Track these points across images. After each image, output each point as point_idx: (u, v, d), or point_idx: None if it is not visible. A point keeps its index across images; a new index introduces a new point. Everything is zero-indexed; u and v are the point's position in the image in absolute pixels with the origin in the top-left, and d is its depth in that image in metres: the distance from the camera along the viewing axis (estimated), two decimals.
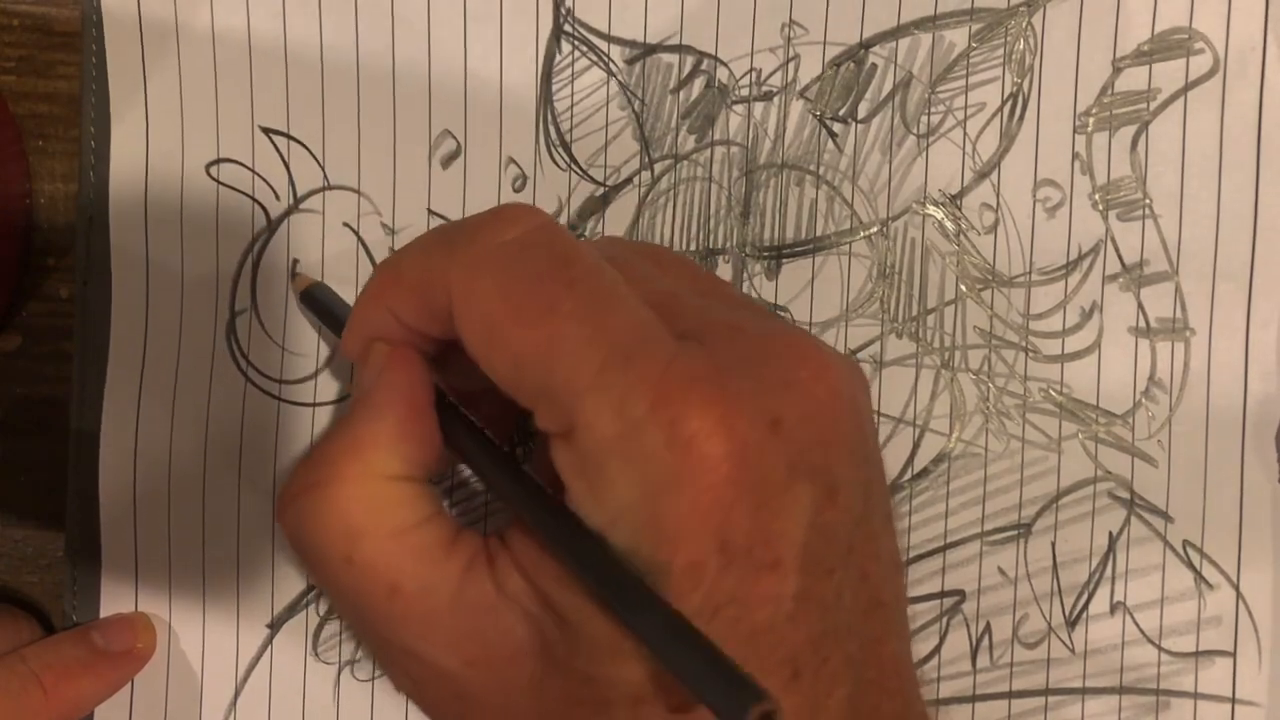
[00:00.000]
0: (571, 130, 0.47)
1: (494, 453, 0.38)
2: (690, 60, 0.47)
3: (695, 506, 0.33)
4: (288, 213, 0.47)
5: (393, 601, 0.36)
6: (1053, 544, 0.47)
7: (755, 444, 0.33)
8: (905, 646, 0.39)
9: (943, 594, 0.47)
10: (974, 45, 0.47)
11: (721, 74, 0.47)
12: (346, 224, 0.47)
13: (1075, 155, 0.47)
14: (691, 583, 0.33)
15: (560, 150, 0.47)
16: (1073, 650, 0.48)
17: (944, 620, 0.48)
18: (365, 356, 0.40)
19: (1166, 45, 0.47)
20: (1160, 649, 0.47)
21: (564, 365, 0.34)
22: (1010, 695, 0.48)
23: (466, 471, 0.47)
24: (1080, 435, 0.47)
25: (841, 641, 0.35)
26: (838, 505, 0.35)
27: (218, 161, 0.47)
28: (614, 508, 0.34)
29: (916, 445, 0.47)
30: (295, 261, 0.47)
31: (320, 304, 0.45)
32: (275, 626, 0.47)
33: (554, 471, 0.35)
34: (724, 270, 0.47)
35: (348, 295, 0.46)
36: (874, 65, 0.47)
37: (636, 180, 0.47)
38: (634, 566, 0.34)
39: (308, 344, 0.47)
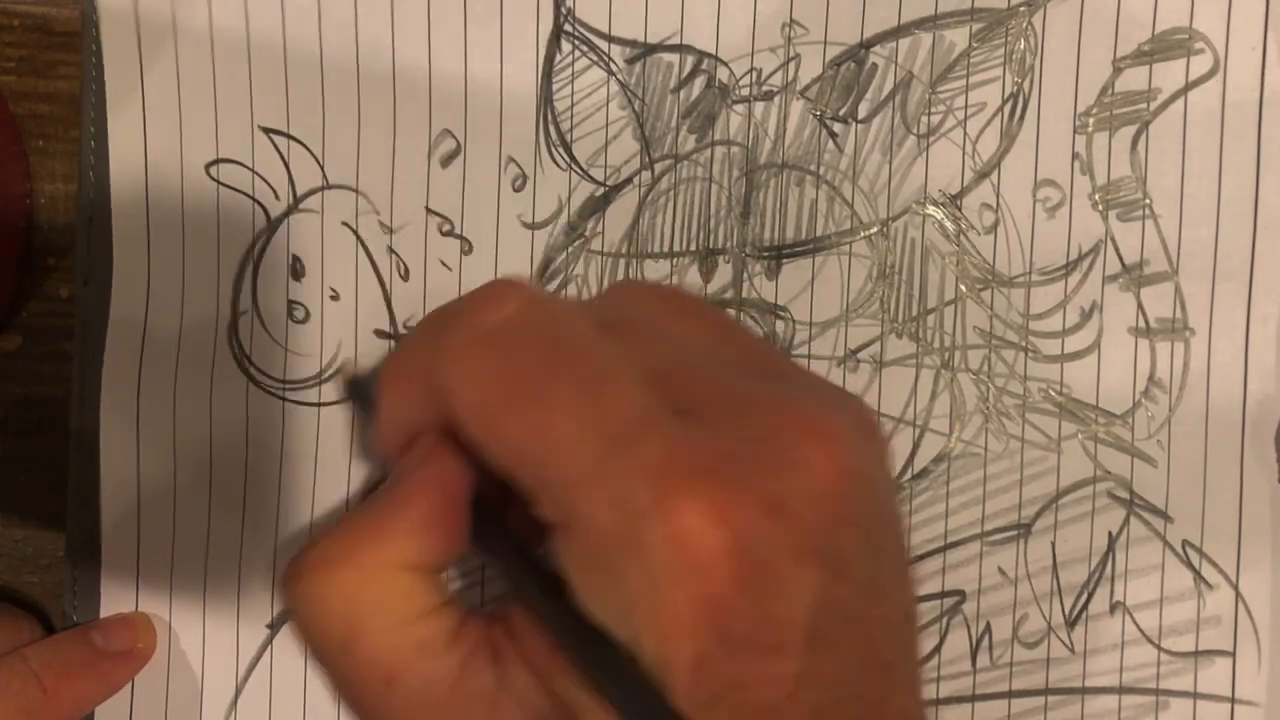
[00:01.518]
0: (572, 130, 0.47)
1: (509, 544, 0.38)
2: (690, 60, 0.47)
3: (695, 601, 0.32)
4: (288, 212, 0.47)
5: (389, 692, 0.36)
6: (1052, 544, 0.47)
7: (756, 533, 0.32)
8: (913, 700, 0.38)
9: (943, 594, 0.48)
10: (974, 45, 0.47)
11: (722, 74, 0.47)
12: (345, 223, 0.47)
13: (1075, 155, 0.47)
14: (695, 677, 0.33)
15: (560, 150, 0.47)
16: (1072, 650, 0.48)
17: (944, 620, 0.48)
18: (403, 449, 0.39)
19: (1167, 45, 0.47)
20: (1160, 649, 0.48)
21: (559, 458, 0.33)
22: (1010, 695, 0.48)
23: None
24: (1080, 435, 0.47)
25: (844, 707, 0.34)
26: (848, 579, 0.34)
27: (217, 161, 0.47)
28: (616, 602, 0.33)
29: (916, 445, 0.47)
30: (352, 364, 0.47)
31: (367, 398, 0.45)
32: (275, 626, 0.47)
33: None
34: (724, 270, 0.47)
35: (348, 285, 0.46)
36: (874, 65, 0.47)
37: (637, 180, 0.47)
38: (636, 662, 0.33)
39: (310, 344, 0.47)
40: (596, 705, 0.34)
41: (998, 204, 0.47)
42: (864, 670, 0.35)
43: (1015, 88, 0.47)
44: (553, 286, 0.47)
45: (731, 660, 0.33)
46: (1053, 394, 0.47)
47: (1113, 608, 0.48)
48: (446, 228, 0.47)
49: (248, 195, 0.47)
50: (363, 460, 0.47)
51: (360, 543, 0.36)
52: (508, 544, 0.38)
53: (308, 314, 0.47)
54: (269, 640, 0.47)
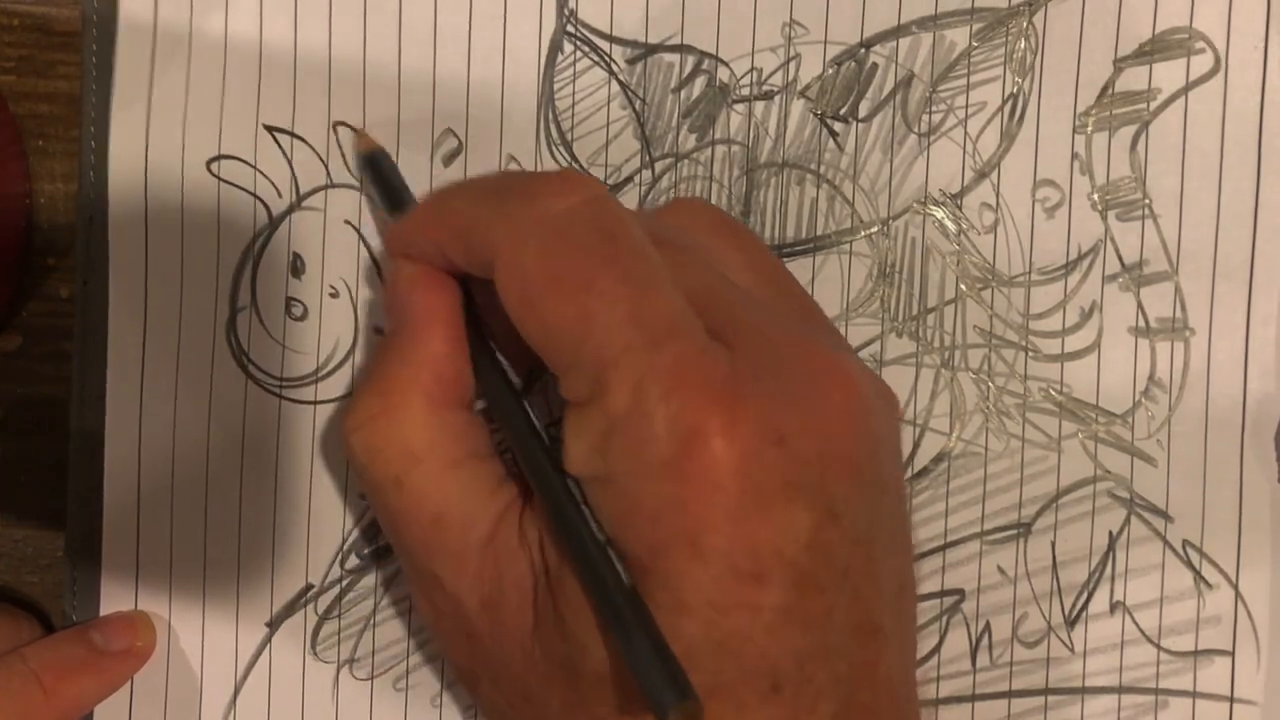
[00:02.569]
0: (573, 129, 0.47)
1: (511, 395, 0.39)
2: (691, 60, 0.47)
3: (676, 499, 0.33)
4: (289, 210, 0.47)
5: (434, 529, 0.38)
6: (1052, 543, 0.48)
7: (755, 454, 0.33)
8: (905, 673, 0.39)
9: (942, 593, 0.48)
10: (975, 44, 0.47)
11: (722, 73, 0.47)
12: (348, 221, 0.47)
13: (1075, 155, 0.47)
14: (661, 574, 0.34)
15: (561, 149, 0.47)
16: (1072, 650, 0.48)
17: (943, 619, 0.48)
18: (393, 274, 0.41)
19: (1167, 45, 0.47)
20: (1159, 648, 0.48)
21: (593, 341, 0.34)
22: (1010, 695, 0.48)
23: None
24: (1080, 435, 0.47)
25: (830, 660, 0.35)
26: (838, 527, 0.35)
27: (219, 158, 0.47)
28: (603, 479, 0.35)
29: (917, 445, 0.47)
30: (358, 131, 0.47)
31: (379, 173, 0.46)
32: (274, 625, 0.47)
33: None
34: None
35: (348, 283, 0.46)
36: (875, 64, 0.47)
37: (637, 179, 0.47)
38: (608, 543, 0.35)
39: (308, 341, 0.47)
40: (575, 579, 0.35)
41: (998, 203, 0.47)
42: (852, 629, 0.35)
43: (1015, 87, 0.47)
44: None
45: (703, 572, 0.33)
46: (1053, 393, 0.47)
47: (1113, 607, 0.48)
48: None
49: (249, 192, 0.47)
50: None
51: (403, 385, 0.39)
52: (499, 377, 0.39)
53: (306, 311, 0.47)
54: (268, 639, 0.47)
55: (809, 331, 0.38)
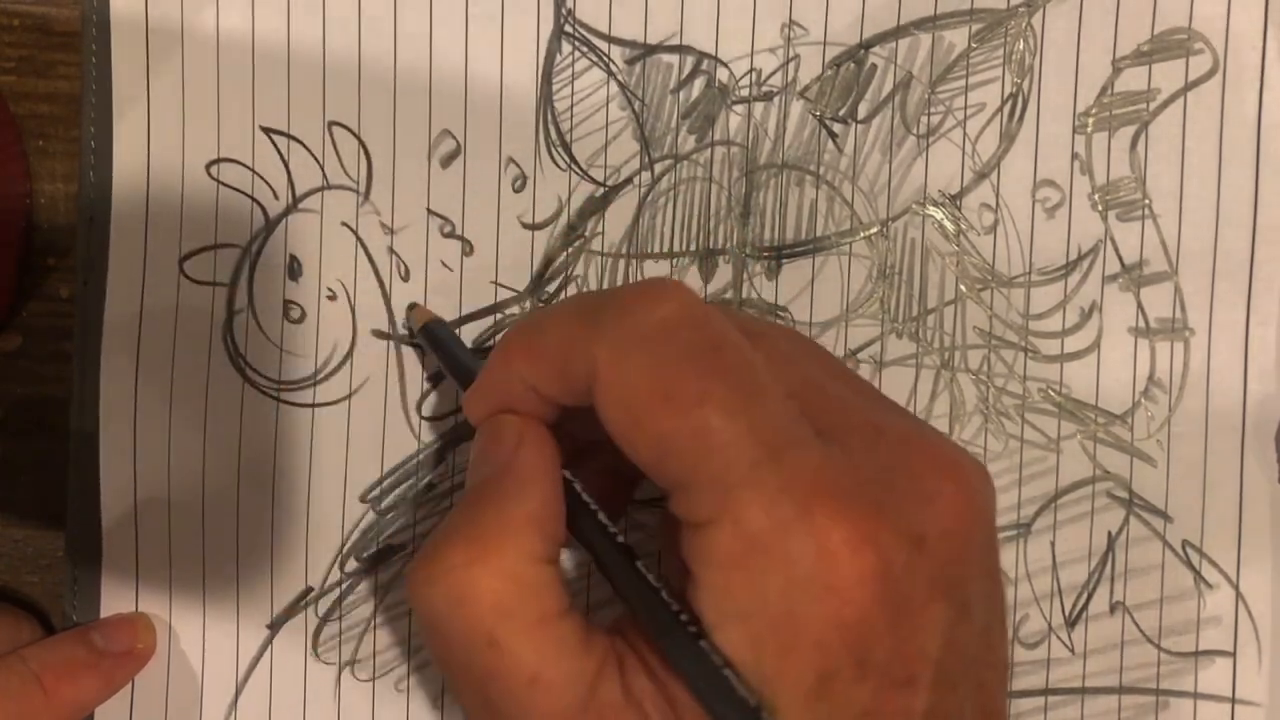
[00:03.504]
0: (571, 130, 0.47)
1: (614, 546, 0.38)
2: (690, 60, 0.47)
3: (836, 618, 0.32)
4: (286, 212, 0.47)
5: (532, 690, 0.35)
6: (1052, 544, 0.47)
7: (900, 562, 0.33)
8: None
9: None
10: (974, 45, 0.47)
11: (721, 74, 0.47)
12: (345, 223, 0.47)
13: (1075, 155, 0.47)
14: (815, 697, 0.33)
15: (560, 150, 0.47)
16: (1072, 650, 0.48)
17: None
18: (494, 427, 0.39)
19: (1166, 45, 0.47)
20: (1160, 649, 0.47)
21: (715, 457, 0.33)
22: (1010, 695, 0.48)
23: None
24: (1079, 435, 0.47)
25: None
26: (970, 620, 0.34)
27: (218, 161, 0.47)
28: (745, 604, 0.33)
29: None
30: (413, 305, 0.47)
31: (440, 342, 0.45)
32: (275, 627, 0.47)
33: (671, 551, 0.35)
34: (724, 270, 0.47)
35: (346, 286, 0.46)
36: (874, 65, 0.47)
37: (637, 180, 0.47)
38: (743, 678, 0.33)
39: (306, 344, 0.47)
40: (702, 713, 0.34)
41: (997, 204, 0.47)
42: (976, 716, 0.35)
43: (1015, 88, 0.47)
44: (552, 288, 0.47)
45: (863, 685, 0.33)
46: (1052, 394, 0.47)
47: (1113, 608, 0.48)
48: (447, 229, 0.47)
49: (247, 195, 0.47)
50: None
51: (496, 539, 0.36)
52: (591, 522, 0.38)
53: (304, 314, 0.47)
54: (269, 640, 0.47)
55: (908, 421, 0.38)
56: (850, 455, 0.34)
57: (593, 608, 0.47)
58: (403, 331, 0.47)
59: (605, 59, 0.47)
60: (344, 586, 0.47)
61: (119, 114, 0.47)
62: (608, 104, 0.47)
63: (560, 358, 0.37)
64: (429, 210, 0.47)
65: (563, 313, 0.38)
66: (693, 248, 0.47)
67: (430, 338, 0.46)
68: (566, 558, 0.47)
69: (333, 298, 0.47)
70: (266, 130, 0.47)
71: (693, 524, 0.34)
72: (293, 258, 0.47)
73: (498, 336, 0.47)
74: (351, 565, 0.47)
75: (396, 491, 0.47)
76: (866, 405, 0.37)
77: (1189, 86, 0.47)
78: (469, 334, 0.47)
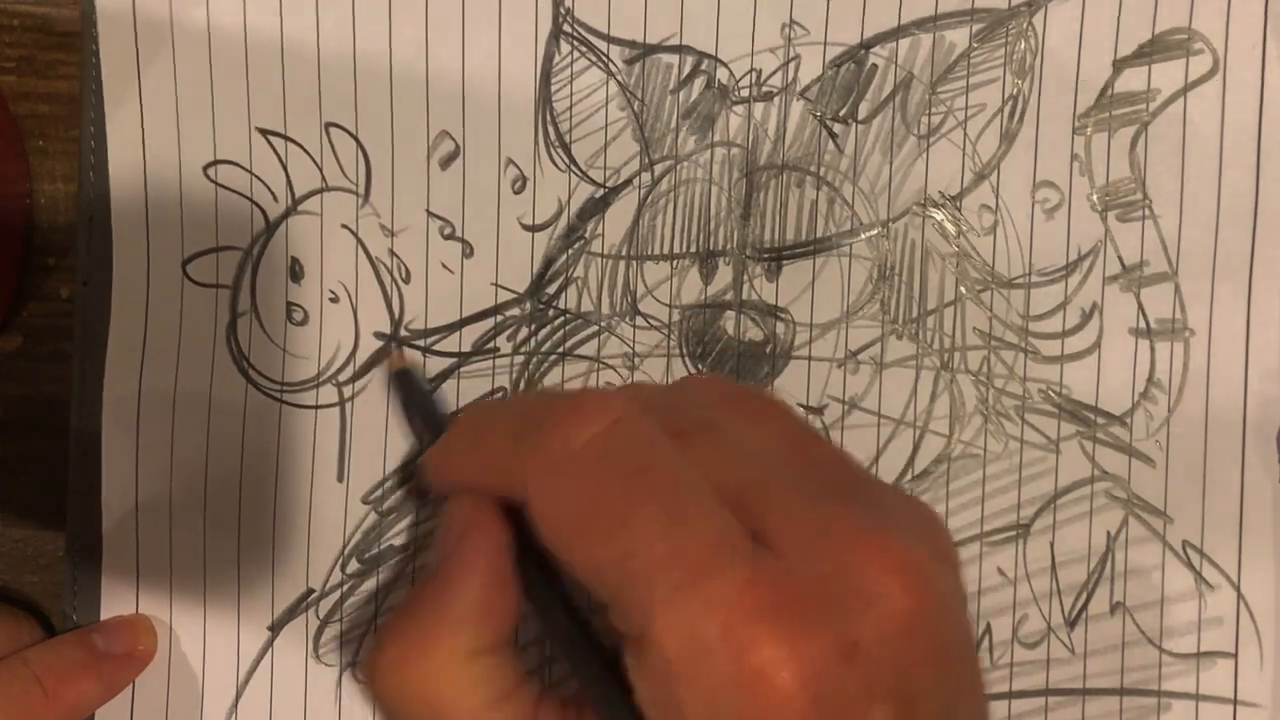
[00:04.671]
0: (571, 131, 0.47)
1: (574, 633, 0.38)
2: (690, 60, 0.47)
3: None
4: (286, 214, 0.47)
5: None
6: (1051, 544, 0.48)
7: (831, 674, 0.32)
8: None
9: None
10: (974, 46, 0.47)
11: (721, 74, 0.47)
12: (345, 225, 0.47)
13: (1075, 156, 0.47)
14: None
15: (559, 151, 0.47)
16: (1073, 651, 0.48)
17: None
18: (447, 513, 0.40)
19: (1166, 45, 0.47)
20: (1161, 650, 0.48)
21: (638, 583, 0.33)
22: (1010, 696, 0.48)
23: None
24: (1079, 436, 0.47)
25: None
26: (920, 712, 0.34)
27: (215, 163, 0.47)
28: None
29: (916, 447, 0.47)
30: (399, 346, 0.47)
31: (409, 391, 0.46)
32: (276, 629, 0.47)
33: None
34: (724, 272, 0.47)
35: (347, 288, 0.46)
36: (874, 66, 0.47)
37: (636, 181, 0.47)
38: None
39: (309, 346, 0.47)
40: None
41: (997, 205, 0.47)
42: None
43: (1015, 88, 0.47)
44: (553, 289, 0.47)
45: None
46: (1052, 395, 0.47)
47: (1113, 608, 0.48)
48: (447, 230, 0.47)
49: (246, 197, 0.47)
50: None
51: (431, 636, 0.37)
52: (557, 604, 0.38)
53: (306, 316, 0.47)
54: (269, 642, 0.47)
55: (855, 509, 0.36)
56: (785, 562, 0.33)
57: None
58: (405, 334, 0.47)
59: (604, 59, 0.47)
60: (345, 588, 0.47)
61: (110, 113, 0.46)
62: (607, 104, 0.47)
63: (496, 471, 0.37)
64: (429, 212, 0.47)
65: (502, 423, 0.39)
66: (693, 249, 0.47)
67: (401, 386, 0.46)
68: None
69: (335, 300, 0.47)
70: (263, 132, 0.47)
71: (627, 639, 0.34)
72: (294, 260, 0.47)
73: (498, 339, 0.47)
74: (353, 567, 0.47)
75: (398, 493, 0.47)
76: (814, 500, 0.36)
77: (1189, 86, 0.47)
78: (469, 335, 0.47)
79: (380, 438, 0.47)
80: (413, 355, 0.47)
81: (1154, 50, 0.47)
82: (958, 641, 0.36)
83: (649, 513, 0.34)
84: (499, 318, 0.47)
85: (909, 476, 0.47)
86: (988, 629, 0.48)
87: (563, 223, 0.47)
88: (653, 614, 0.33)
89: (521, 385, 0.47)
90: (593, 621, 0.38)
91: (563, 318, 0.47)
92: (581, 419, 0.36)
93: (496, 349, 0.47)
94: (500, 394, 0.47)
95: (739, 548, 0.34)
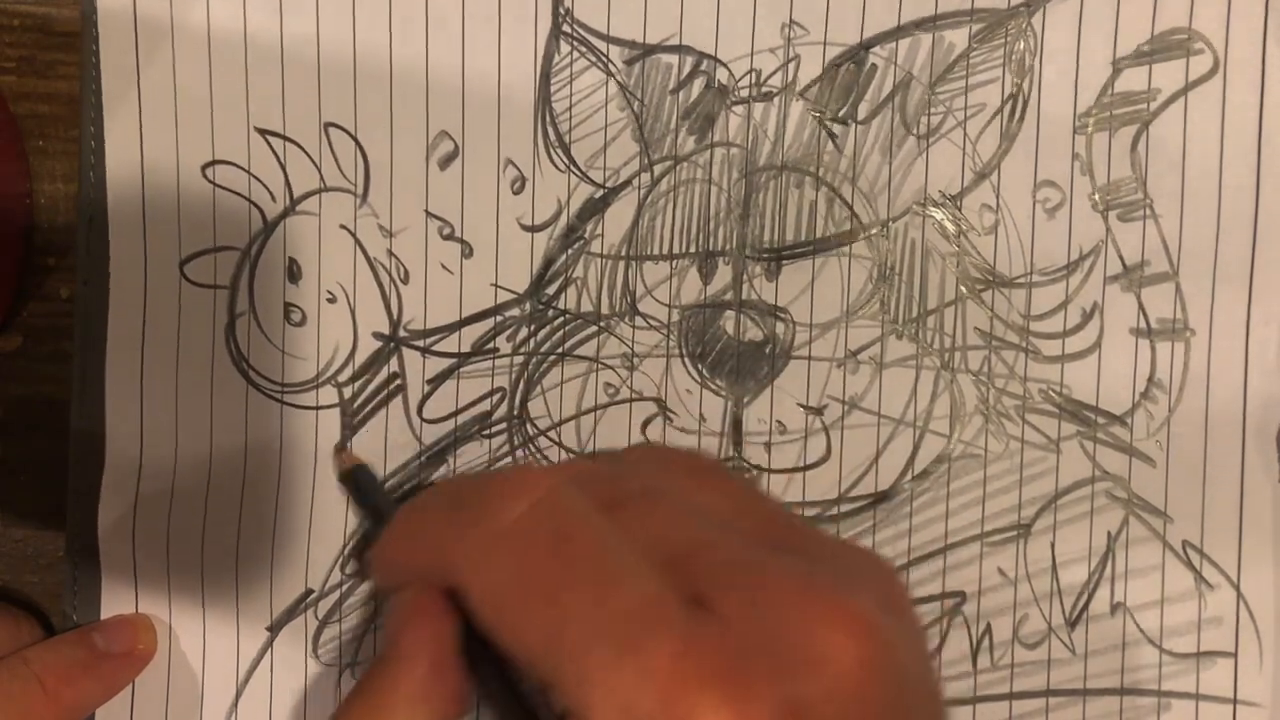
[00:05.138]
0: (570, 131, 0.47)
1: (522, 717, 0.38)
2: (690, 61, 0.47)
3: None
4: (284, 215, 0.47)
5: None
6: (1051, 544, 0.47)
7: None
8: None
9: (943, 595, 0.47)
10: (974, 46, 0.47)
11: (721, 74, 0.47)
12: (344, 226, 0.47)
13: (1075, 156, 0.47)
14: None
15: (559, 151, 0.47)
16: (1073, 651, 0.48)
17: (944, 621, 0.48)
18: (392, 603, 0.39)
19: (1166, 45, 0.47)
20: (1161, 650, 0.47)
21: (569, 660, 0.33)
22: (1011, 696, 0.48)
23: None
24: (1079, 436, 0.47)
25: None
26: None
27: (213, 163, 0.47)
28: None
29: (916, 447, 0.47)
30: (346, 444, 0.47)
31: (360, 488, 0.46)
32: (275, 629, 0.47)
33: None
34: (724, 272, 0.47)
35: (345, 288, 0.46)
36: (874, 66, 0.47)
37: (636, 182, 0.47)
38: None
39: (308, 347, 0.47)
40: None
41: (998, 204, 0.47)
42: None
43: (1015, 88, 0.47)
44: (552, 289, 0.47)
45: None
46: (1052, 395, 0.47)
47: (1113, 608, 0.48)
48: (446, 231, 0.47)
49: (244, 197, 0.47)
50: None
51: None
52: (506, 688, 0.38)
53: (304, 317, 0.47)
54: (269, 642, 0.47)
55: (799, 564, 0.36)
56: (724, 624, 0.33)
57: None
58: (404, 335, 0.47)
59: (604, 59, 0.47)
60: (344, 589, 0.47)
61: (108, 113, 0.46)
62: (606, 104, 0.47)
63: (431, 559, 0.37)
64: (427, 212, 0.47)
65: (434, 510, 0.39)
66: (692, 249, 0.47)
67: (354, 484, 0.46)
68: None
69: (333, 300, 0.47)
70: (261, 131, 0.47)
71: (570, 715, 0.34)
72: (292, 260, 0.47)
73: (497, 340, 0.47)
74: (352, 567, 0.47)
75: (398, 494, 0.47)
76: (756, 559, 0.35)
77: (1189, 86, 0.47)
78: (469, 336, 0.47)
79: (380, 438, 0.47)
80: (363, 451, 0.47)
81: (1154, 50, 0.47)
82: (912, 693, 0.35)
83: (576, 586, 0.33)
84: (498, 318, 0.47)
85: (909, 476, 0.47)
86: (988, 629, 0.48)
87: (562, 223, 0.47)
88: (590, 690, 0.32)
89: (521, 385, 0.47)
90: (540, 703, 0.38)
91: (562, 318, 0.47)
92: (507, 497, 0.36)
93: (496, 349, 0.47)
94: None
95: (670, 614, 0.33)
